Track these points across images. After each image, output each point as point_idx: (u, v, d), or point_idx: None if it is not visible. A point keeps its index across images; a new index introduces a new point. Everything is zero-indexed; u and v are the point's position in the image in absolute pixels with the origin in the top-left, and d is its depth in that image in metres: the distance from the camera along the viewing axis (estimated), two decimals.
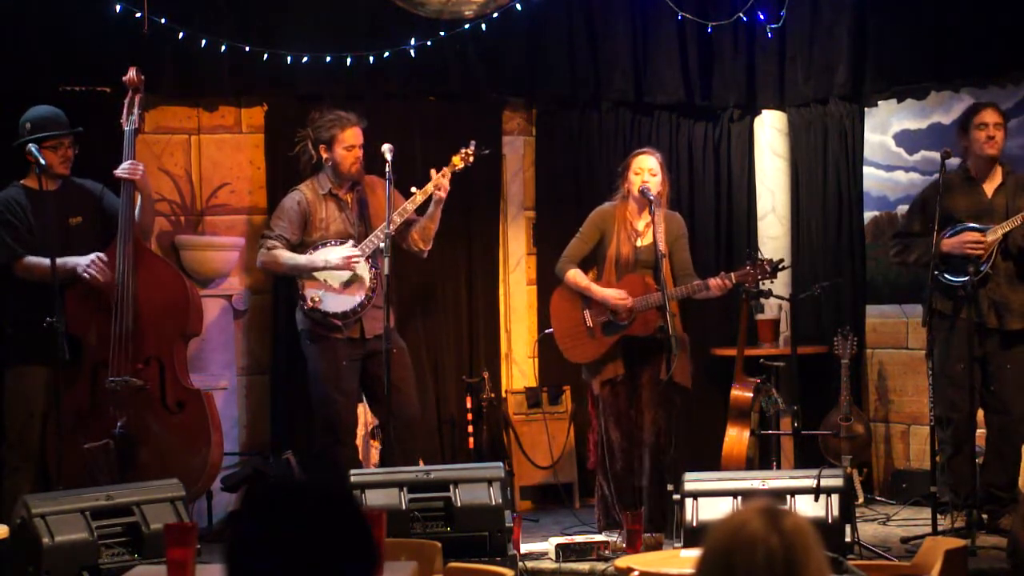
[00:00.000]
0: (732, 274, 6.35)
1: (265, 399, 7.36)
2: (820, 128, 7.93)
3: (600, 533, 6.35)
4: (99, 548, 4.85)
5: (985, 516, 6.24)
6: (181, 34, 6.87)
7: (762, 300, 7.11)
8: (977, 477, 6.32)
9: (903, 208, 7.18)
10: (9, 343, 6.21)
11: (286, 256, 6.56)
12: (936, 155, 6.46)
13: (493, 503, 5.45)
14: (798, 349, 6.89)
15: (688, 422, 6.81)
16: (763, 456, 7.04)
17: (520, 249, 7.92)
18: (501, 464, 5.82)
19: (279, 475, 6.20)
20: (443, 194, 6.56)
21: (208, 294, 7.01)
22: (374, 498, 5.39)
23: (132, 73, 6.31)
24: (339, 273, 6.51)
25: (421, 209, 6.63)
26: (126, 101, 6.29)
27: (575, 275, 6.49)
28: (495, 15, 7.39)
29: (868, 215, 7.76)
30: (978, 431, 6.46)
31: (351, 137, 6.56)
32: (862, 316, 7.74)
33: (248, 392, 7.36)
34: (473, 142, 6.65)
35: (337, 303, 6.51)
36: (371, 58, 7.24)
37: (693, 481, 5.44)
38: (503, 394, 7.69)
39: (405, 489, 5.45)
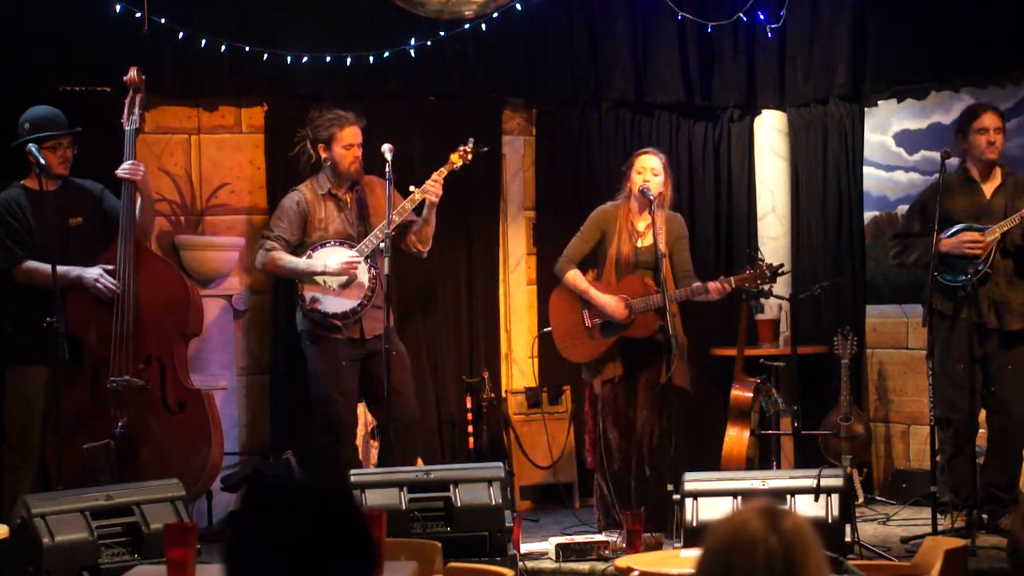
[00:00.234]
0: (732, 278, 6.36)
1: (265, 399, 7.35)
2: (820, 128, 7.93)
3: (600, 533, 6.36)
4: (99, 548, 4.84)
5: (985, 516, 6.24)
6: (181, 34, 6.87)
7: (762, 300, 7.13)
8: (977, 477, 6.32)
9: (903, 208, 7.18)
10: (9, 343, 6.22)
11: (286, 259, 6.56)
12: (936, 155, 6.47)
13: (493, 503, 5.44)
14: (798, 349, 6.89)
15: (688, 422, 6.80)
16: (763, 456, 7.04)
17: (520, 249, 7.92)
18: (501, 464, 5.81)
19: (279, 475, 6.20)
20: (435, 198, 6.55)
21: (208, 294, 7.00)
22: (374, 498, 5.38)
23: (132, 73, 6.31)
24: None
25: (419, 209, 6.63)
26: (127, 101, 6.29)
27: (574, 276, 6.48)
28: (495, 15, 7.38)
29: (868, 215, 7.76)
30: (979, 431, 6.47)
31: (349, 136, 6.55)
32: (862, 316, 7.74)
33: (248, 392, 7.36)
34: (472, 140, 6.65)
35: (336, 304, 6.51)
36: (371, 58, 7.24)
37: (693, 481, 5.44)
38: (503, 394, 7.69)
39: (405, 489, 5.45)
